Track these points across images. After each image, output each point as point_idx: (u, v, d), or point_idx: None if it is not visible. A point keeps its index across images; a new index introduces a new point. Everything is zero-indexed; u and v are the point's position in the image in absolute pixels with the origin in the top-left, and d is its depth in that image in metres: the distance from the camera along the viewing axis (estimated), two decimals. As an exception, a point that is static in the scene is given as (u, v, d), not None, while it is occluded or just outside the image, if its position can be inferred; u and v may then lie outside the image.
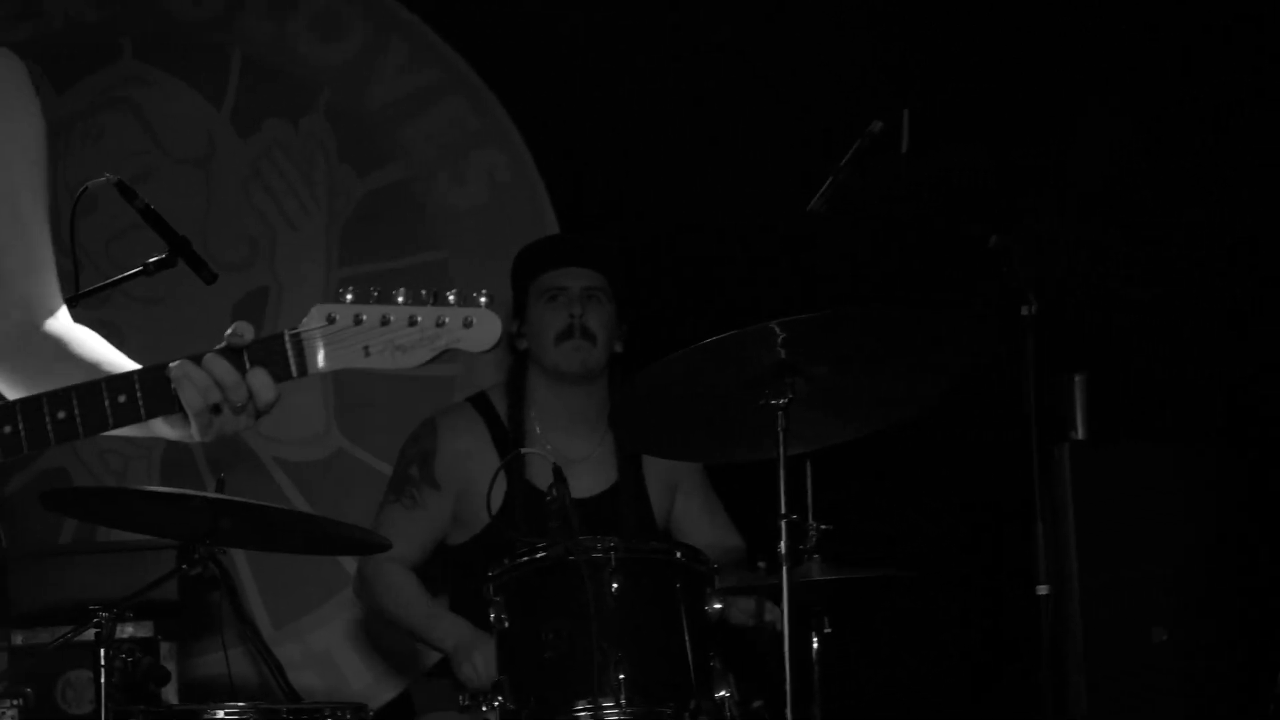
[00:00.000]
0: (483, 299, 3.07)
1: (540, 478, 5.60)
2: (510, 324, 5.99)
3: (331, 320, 3.04)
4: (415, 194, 7.47)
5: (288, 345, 3.04)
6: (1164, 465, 6.40)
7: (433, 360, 3.05)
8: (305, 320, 3.04)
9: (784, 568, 4.86)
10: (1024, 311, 5.57)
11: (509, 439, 5.93)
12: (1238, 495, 6.58)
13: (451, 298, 3.07)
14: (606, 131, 7.11)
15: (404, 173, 7.47)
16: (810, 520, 5.32)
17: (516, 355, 6.07)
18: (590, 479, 5.96)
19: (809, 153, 5.82)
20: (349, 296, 3.05)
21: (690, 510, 6.15)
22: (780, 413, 4.93)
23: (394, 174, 7.47)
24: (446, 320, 3.05)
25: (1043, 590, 5.51)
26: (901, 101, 5.71)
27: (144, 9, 7.49)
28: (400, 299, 3.05)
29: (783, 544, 4.90)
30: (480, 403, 6.06)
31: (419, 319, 3.04)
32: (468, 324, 3.05)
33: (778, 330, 4.81)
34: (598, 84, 7.14)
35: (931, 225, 5.74)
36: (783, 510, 4.91)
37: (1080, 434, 6.52)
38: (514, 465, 5.76)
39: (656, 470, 6.05)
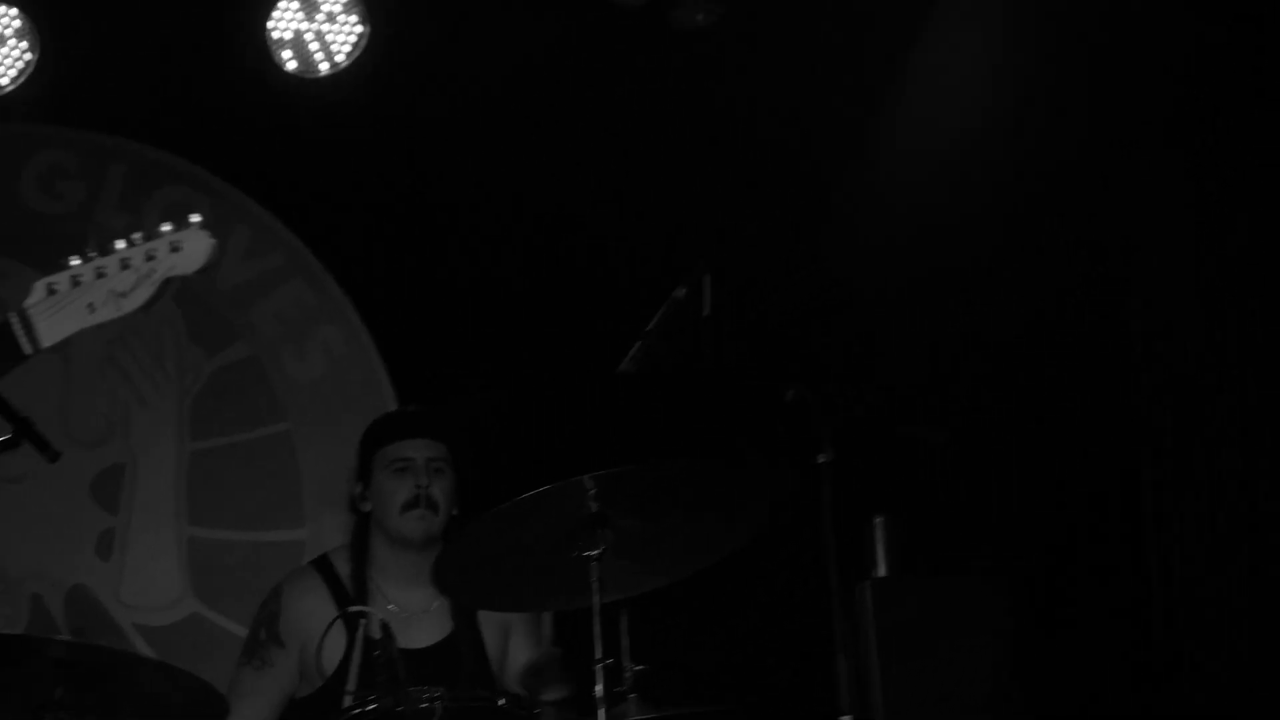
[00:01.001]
0: (193, 219, 2.93)
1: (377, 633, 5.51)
2: (355, 488, 5.88)
3: (53, 290, 2.88)
4: (261, 369, 7.37)
5: (16, 326, 2.88)
6: (961, 597, 6.40)
7: (157, 295, 2.88)
8: (29, 298, 2.88)
9: (601, 709, 4.80)
10: (820, 459, 5.55)
11: (349, 597, 5.82)
12: (1032, 622, 6.59)
13: (162, 229, 2.92)
14: (439, 306, 7.07)
15: (250, 350, 7.39)
16: (626, 661, 5.21)
17: (359, 517, 5.97)
18: (428, 630, 5.86)
19: (619, 318, 5.78)
20: (73, 262, 2.89)
21: (523, 648, 6.05)
22: (593, 563, 4.85)
23: (241, 351, 7.40)
24: (156, 253, 2.90)
25: (846, 720, 5.44)
26: (703, 267, 5.72)
27: (2, 202, 7.37)
28: (116, 248, 2.90)
29: (599, 687, 4.84)
30: (322, 564, 5.98)
31: (131, 261, 2.89)
32: (176, 248, 2.91)
33: (588, 484, 4.76)
34: (431, 262, 7.11)
35: (733, 381, 5.71)
36: (598, 655, 4.85)
37: (882, 571, 6.50)
38: (352, 622, 5.65)
39: (491, 616, 5.96)
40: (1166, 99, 6.75)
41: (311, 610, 5.82)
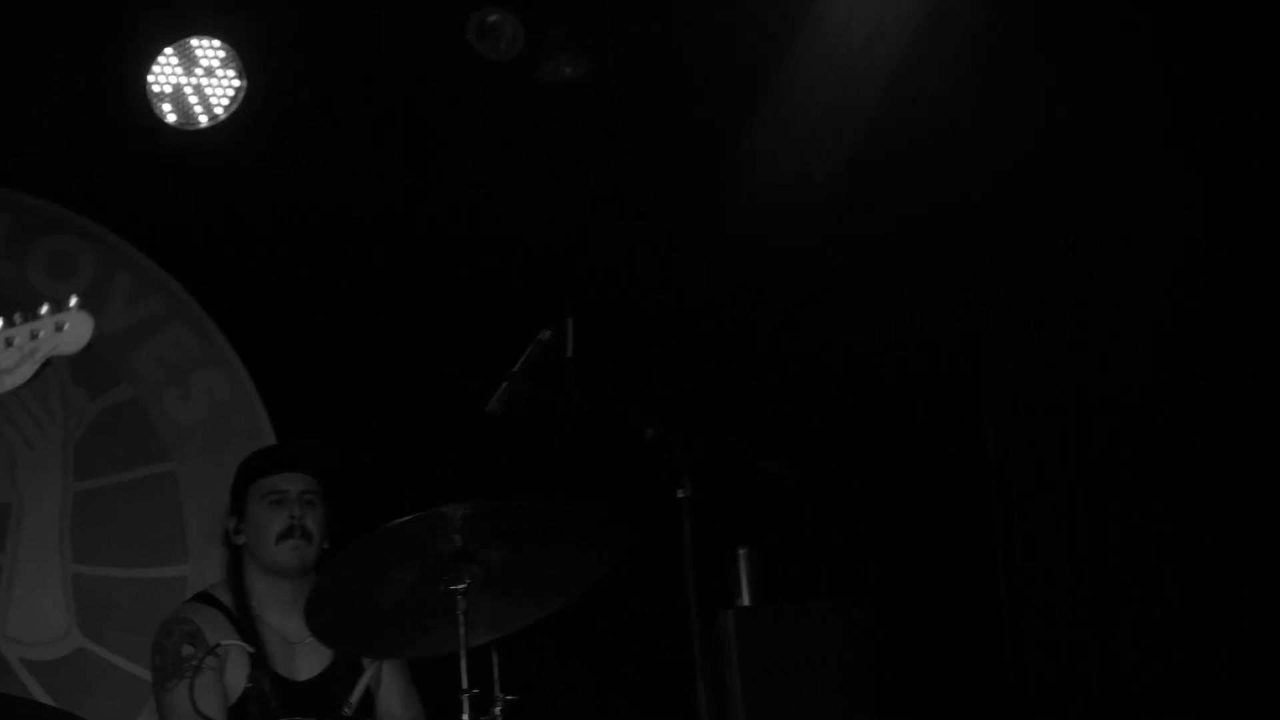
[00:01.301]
0: (71, 301, 2.98)
1: (277, 664, 5.64)
2: (229, 521, 5.93)
3: None
4: (144, 411, 7.37)
5: None
6: (820, 623, 6.49)
7: (39, 373, 2.93)
8: None
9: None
10: (680, 495, 5.63)
11: (244, 626, 5.85)
12: (888, 645, 6.71)
13: (43, 310, 2.97)
14: (318, 350, 7.11)
15: (133, 392, 7.37)
16: (497, 692, 5.28)
17: (233, 550, 6.00)
18: (310, 661, 5.88)
19: (487, 358, 5.86)
20: None
21: (392, 689, 6.08)
22: (459, 596, 4.92)
23: (124, 394, 7.37)
24: (40, 332, 2.94)
25: (706, 741, 5.51)
26: (567, 311, 5.80)
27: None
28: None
29: (465, 717, 4.89)
30: (207, 599, 5.98)
31: (14, 339, 2.93)
32: (60, 328, 2.95)
33: (452, 514, 4.86)
34: (310, 307, 7.15)
35: (595, 420, 5.79)
36: (464, 685, 4.93)
37: (746, 600, 6.60)
38: (255, 656, 5.68)
39: None
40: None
41: (220, 638, 5.85)
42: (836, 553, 6.97)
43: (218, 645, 5.60)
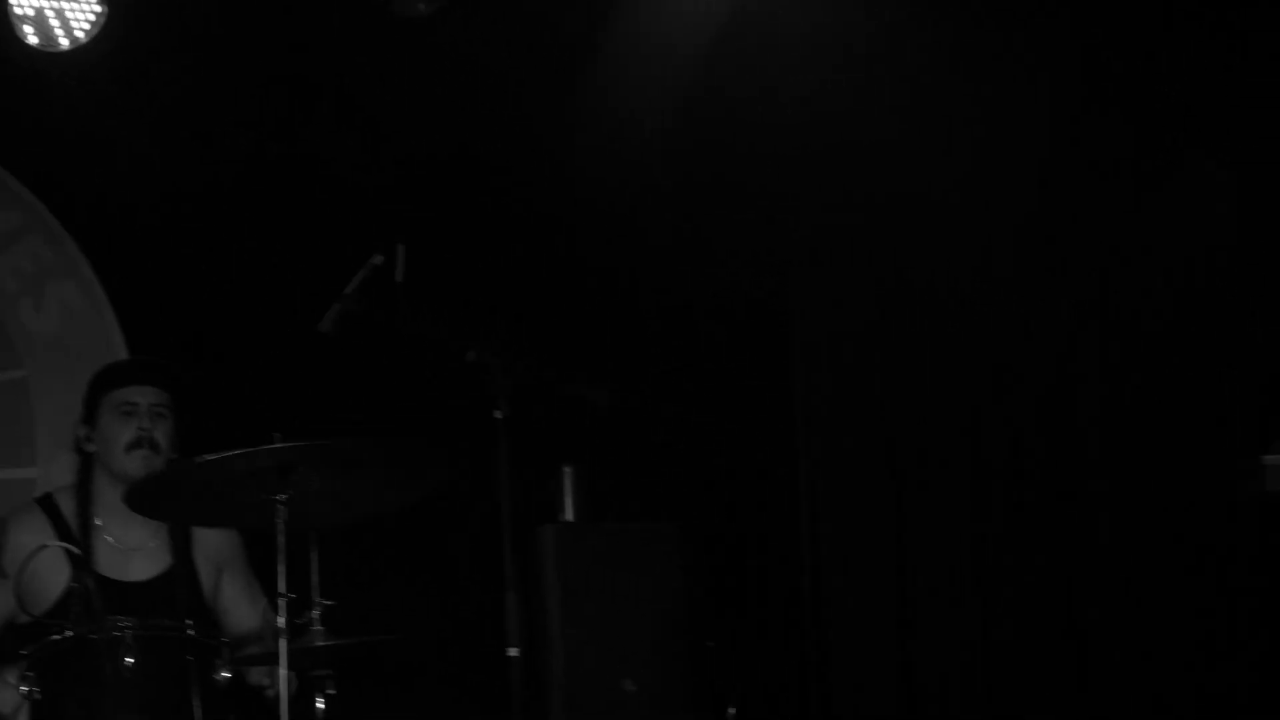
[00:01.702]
0: None
1: (102, 565, 5.72)
2: (80, 430, 6.00)
3: None
4: (1, 320, 7.39)
5: None
6: (636, 541, 6.63)
7: None
8: None
9: (282, 639, 5.01)
10: (497, 415, 5.76)
11: (70, 533, 5.94)
12: (699, 564, 6.86)
13: None
14: (170, 267, 7.16)
15: (-10, 302, 7.39)
16: (316, 596, 5.39)
17: (84, 457, 6.08)
18: (147, 564, 5.99)
19: (322, 280, 5.95)
20: None
21: (233, 592, 6.19)
22: (280, 507, 5.04)
23: (-19, 303, 7.39)
24: None
25: (513, 652, 5.64)
26: (399, 237, 5.91)
27: None
28: None
29: (281, 619, 5.03)
30: (46, 502, 6.07)
31: None
32: None
33: (272, 458, 4.99)
34: (163, 225, 7.19)
35: (421, 342, 5.90)
36: (282, 590, 5.04)
37: (570, 516, 6.74)
38: (78, 557, 5.76)
39: (205, 553, 6.10)
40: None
41: (32, 544, 5.92)
42: (656, 476, 7.09)
43: (43, 546, 5.69)
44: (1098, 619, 6.84)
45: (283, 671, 5.01)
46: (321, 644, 5.31)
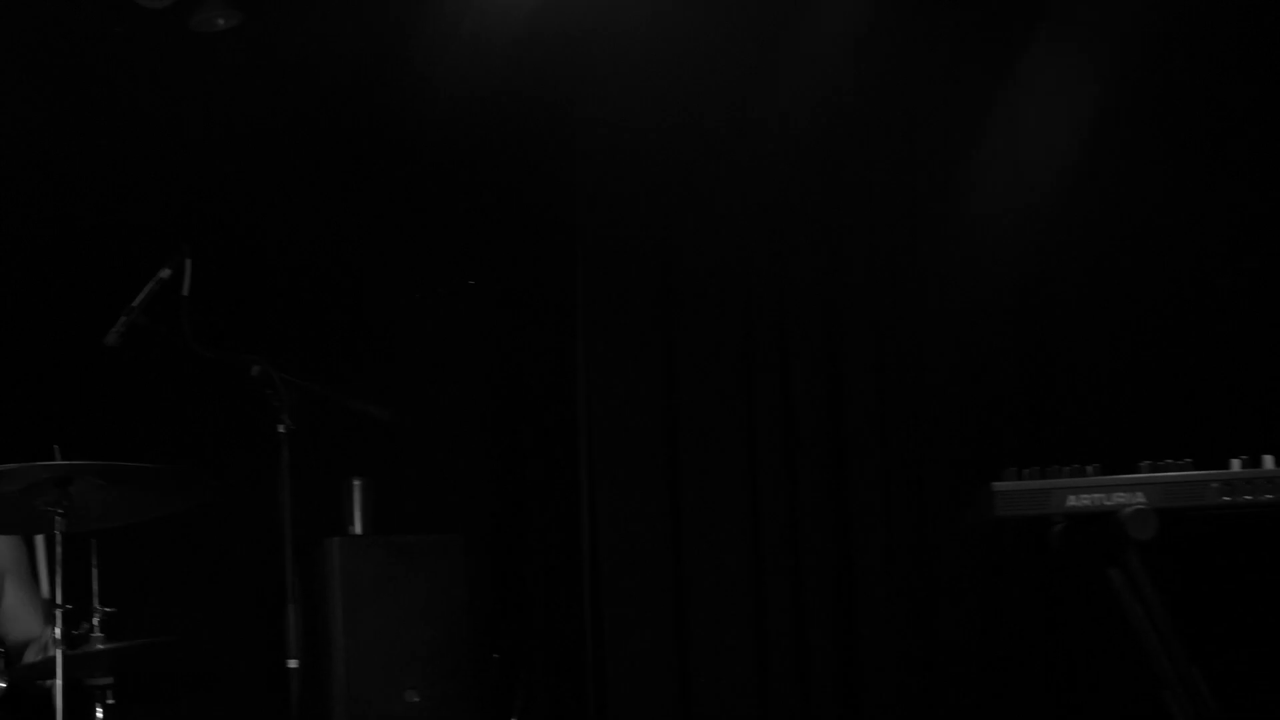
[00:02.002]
0: None
1: None
2: None
3: None
4: None
5: None
6: (421, 553, 6.64)
7: None
8: None
9: (58, 650, 5.00)
10: (280, 429, 5.78)
11: None
12: (484, 575, 6.90)
13: None
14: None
15: None
16: (95, 604, 5.37)
17: None
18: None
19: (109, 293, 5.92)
20: None
21: (15, 600, 6.12)
22: (58, 518, 5.03)
23: None
24: None
25: (292, 664, 5.65)
26: (186, 251, 5.90)
27: None
28: None
29: (57, 629, 5.02)
30: None
31: None
32: None
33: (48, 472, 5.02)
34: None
35: (206, 355, 5.90)
36: (58, 600, 5.03)
37: (358, 529, 6.75)
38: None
39: None
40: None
41: None
42: (443, 488, 7.11)
43: None
44: (869, 629, 7.00)
45: (58, 682, 4.97)
46: (101, 648, 5.31)
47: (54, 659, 5.07)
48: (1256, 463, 4.22)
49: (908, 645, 6.95)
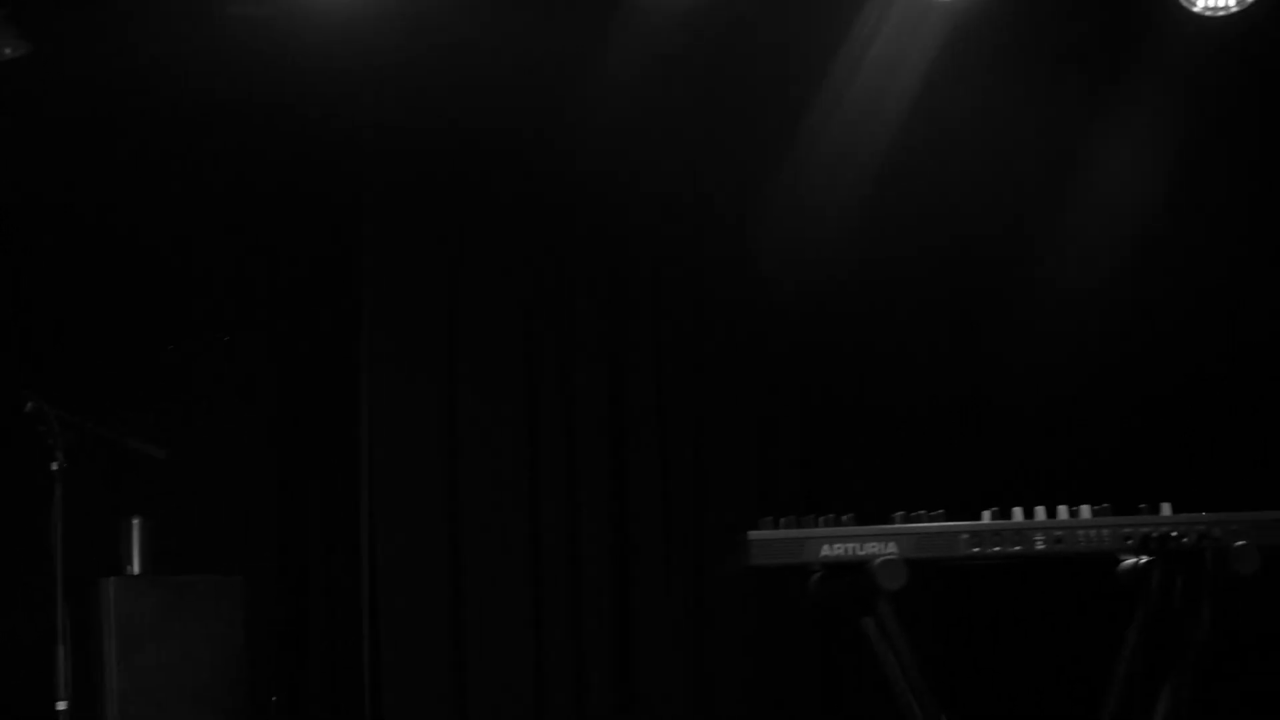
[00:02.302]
0: None
1: None
2: None
3: None
4: None
5: None
6: (200, 594, 6.51)
7: None
8: None
9: None
10: (54, 466, 5.68)
11: None
12: (264, 617, 6.80)
13: None
14: None
15: None
16: None
17: None
18: None
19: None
20: None
21: None
22: None
23: None
24: None
25: (61, 705, 5.54)
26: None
27: None
28: None
29: None
30: None
31: None
32: None
33: None
34: None
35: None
36: None
37: (136, 569, 6.60)
38: None
39: None
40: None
41: None
42: (229, 529, 7.00)
43: None
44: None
45: None
46: None
47: None
48: (1006, 515, 4.31)
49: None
